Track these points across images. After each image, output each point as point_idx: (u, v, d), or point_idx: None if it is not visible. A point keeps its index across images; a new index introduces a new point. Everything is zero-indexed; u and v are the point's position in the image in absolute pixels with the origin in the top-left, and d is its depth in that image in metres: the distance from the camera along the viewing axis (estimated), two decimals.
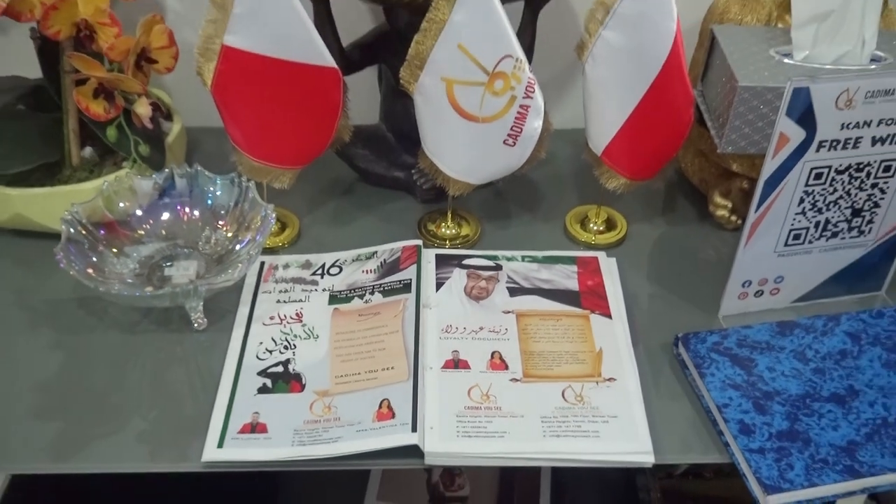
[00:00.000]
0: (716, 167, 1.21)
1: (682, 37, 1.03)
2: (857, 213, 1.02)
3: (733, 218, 1.20)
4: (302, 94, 1.04)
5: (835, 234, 1.03)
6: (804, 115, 0.90)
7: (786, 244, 1.02)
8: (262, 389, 0.94)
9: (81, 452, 0.87)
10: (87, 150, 1.15)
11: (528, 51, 1.15)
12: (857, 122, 0.93)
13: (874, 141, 0.95)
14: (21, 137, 1.12)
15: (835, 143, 0.94)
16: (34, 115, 1.17)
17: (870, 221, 1.03)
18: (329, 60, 1.02)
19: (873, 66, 1.05)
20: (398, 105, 1.22)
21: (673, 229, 1.23)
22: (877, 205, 1.01)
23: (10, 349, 1.01)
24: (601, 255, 1.15)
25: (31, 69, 1.19)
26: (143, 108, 1.10)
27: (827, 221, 1.02)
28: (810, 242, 1.03)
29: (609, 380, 0.96)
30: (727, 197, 1.21)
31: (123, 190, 1.08)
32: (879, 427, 0.89)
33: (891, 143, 0.96)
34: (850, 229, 1.03)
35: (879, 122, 0.93)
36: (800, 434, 0.88)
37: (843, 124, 0.92)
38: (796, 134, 0.92)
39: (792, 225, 1.01)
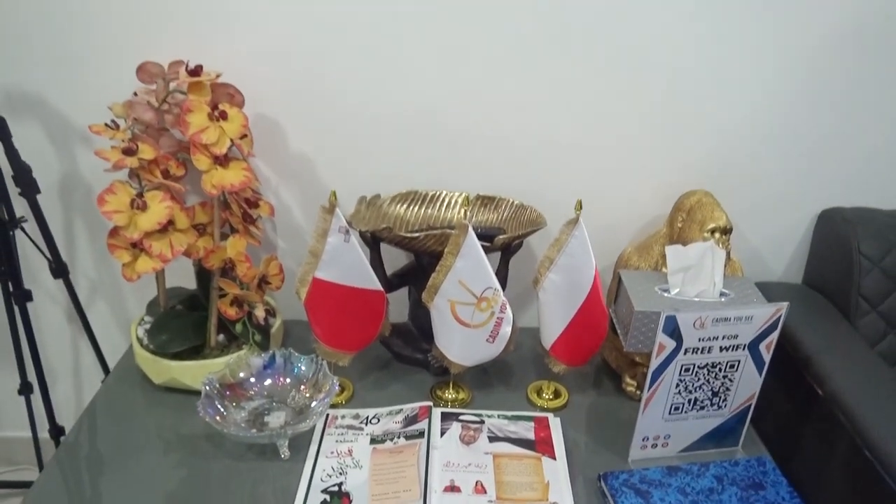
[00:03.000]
0: (626, 358, 1.24)
1: (600, 276, 1.13)
2: (715, 393, 1.06)
3: (638, 392, 1.23)
4: (360, 306, 1.13)
5: (702, 408, 1.07)
6: (674, 332, 0.98)
7: (669, 413, 1.06)
8: (324, 503, 0.98)
9: None
10: (221, 337, 1.21)
11: (503, 282, 1.21)
12: (709, 337, 1.00)
13: (721, 349, 1.02)
14: (180, 328, 1.18)
15: (696, 350, 1.01)
16: (189, 313, 1.23)
17: (725, 399, 1.07)
18: (378, 286, 1.13)
19: (722, 299, 1.12)
20: (420, 313, 1.24)
21: (599, 398, 1.24)
22: (728, 389, 1.06)
23: (149, 467, 1.03)
24: (550, 416, 1.17)
25: (188, 282, 1.29)
26: (260, 312, 1.19)
27: (696, 399, 1.06)
28: (686, 412, 1.07)
29: (554, 503, 0.99)
30: (634, 378, 1.24)
31: (242, 364, 1.12)
32: None
33: (733, 350, 1.02)
34: (712, 405, 1.07)
35: (723, 337, 1.01)
36: None
37: (699, 338, 1.00)
38: (669, 343, 0.99)
39: (673, 401, 1.05)
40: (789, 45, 1.19)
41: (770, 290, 1.33)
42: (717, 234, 1.14)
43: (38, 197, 1.21)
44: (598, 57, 1.20)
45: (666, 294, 1.12)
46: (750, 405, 1.09)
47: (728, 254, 1.15)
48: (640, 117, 1.25)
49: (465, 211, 1.08)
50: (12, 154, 1.16)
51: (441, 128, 1.26)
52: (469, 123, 1.25)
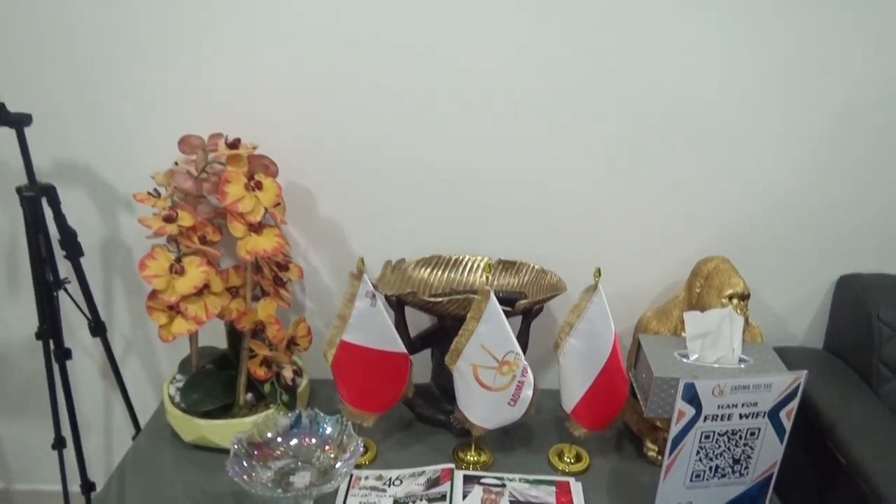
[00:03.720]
0: (646, 422, 1.25)
1: (619, 339, 1.15)
2: (737, 461, 1.05)
3: (659, 458, 1.23)
4: (385, 369, 1.16)
5: (724, 475, 1.06)
6: (693, 399, 0.99)
7: (691, 480, 1.05)
8: None
9: None
10: (249, 396, 1.24)
11: (524, 346, 1.23)
12: (728, 404, 1.01)
13: (741, 416, 1.02)
14: (210, 387, 1.22)
15: (715, 417, 1.01)
16: (219, 372, 1.26)
17: (746, 467, 1.06)
18: (402, 349, 1.15)
19: (741, 366, 1.13)
20: (443, 374, 1.26)
21: (620, 463, 1.24)
22: (749, 456, 1.05)
23: None
24: (571, 480, 1.17)
25: (219, 340, 1.34)
26: (288, 373, 1.22)
27: (717, 466, 1.05)
28: (708, 480, 1.06)
29: None
30: (655, 443, 1.24)
31: (270, 424, 1.13)
32: None
33: (753, 418, 1.02)
34: (734, 472, 1.06)
35: (743, 405, 1.01)
36: None
37: (718, 405, 1.00)
38: (689, 410, 1.00)
39: (694, 468, 1.04)
40: (808, 114, 1.23)
41: (790, 356, 1.34)
42: (734, 300, 1.16)
43: (81, 259, 1.27)
44: (619, 124, 1.25)
45: (685, 360, 1.14)
46: (772, 473, 1.08)
47: (746, 319, 1.17)
48: (658, 183, 1.29)
49: (487, 276, 1.12)
50: (60, 219, 1.23)
51: (464, 194, 1.31)
52: (491, 190, 1.30)
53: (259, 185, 1.14)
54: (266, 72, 1.22)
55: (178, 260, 1.12)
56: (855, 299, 1.30)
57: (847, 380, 1.28)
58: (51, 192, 1.20)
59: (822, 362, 1.33)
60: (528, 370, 1.12)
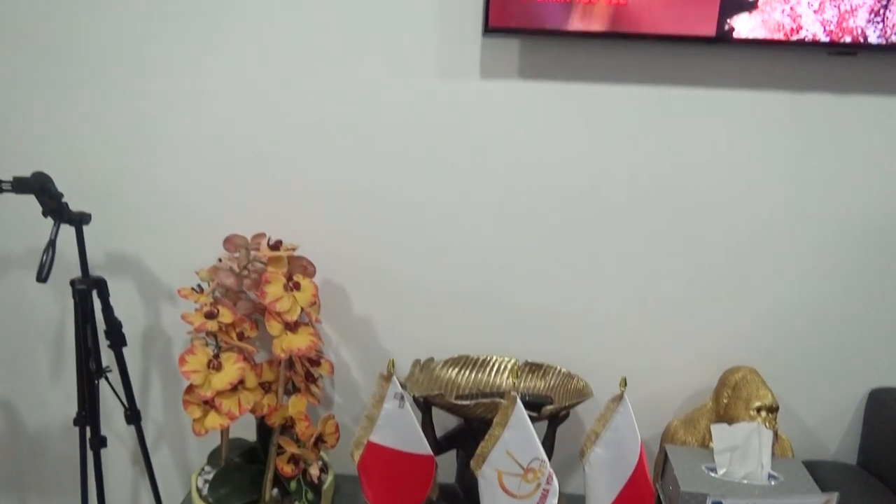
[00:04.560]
0: None
1: (646, 447, 1.15)
2: None
3: None
4: (410, 470, 1.16)
5: None
6: None
7: None
8: None
9: None
10: (275, 492, 1.25)
11: (549, 450, 1.24)
12: None
13: None
14: (237, 482, 1.24)
15: None
16: (247, 466, 1.28)
17: None
18: (429, 451, 1.16)
19: (771, 482, 1.11)
20: (467, 474, 1.28)
21: None
22: None
23: None
24: None
25: (249, 432, 1.36)
26: (314, 471, 1.24)
27: None
28: None
29: None
30: None
31: None
32: None
33: None
34: None
35: None
36: None
37: None
38: None
39: None
40: (839, 227, 1.26)
41: (822, 472, 1.31)
42: (763, 413, 1.15)
43: (123, 349, 1.33)
44: (648, 233, 1.29)
45: (713, 474, 1.13)
46: None
47: (776, 432, 1.16)
48: (686, 290, 1.32)
49: (514, 382, 1.14)
50: (108, 311, 1.29)
51: (493, 296, 1.35)
52: (519, 293, 1.34)
53: (297, 286, 1.19)
54: (306, 175, 1.30)
55: (216, 356, 1.17)
56: (889, 414, 1.28)
57: (883, 499, 1.24)
58: (101, 286, 1.27)
59: (856, 480, 1.30)
60: (554, 478, 1.11)
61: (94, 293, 1.27)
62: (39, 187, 1.18)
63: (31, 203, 1.37)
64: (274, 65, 1.25)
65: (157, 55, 1.27)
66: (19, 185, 1.19)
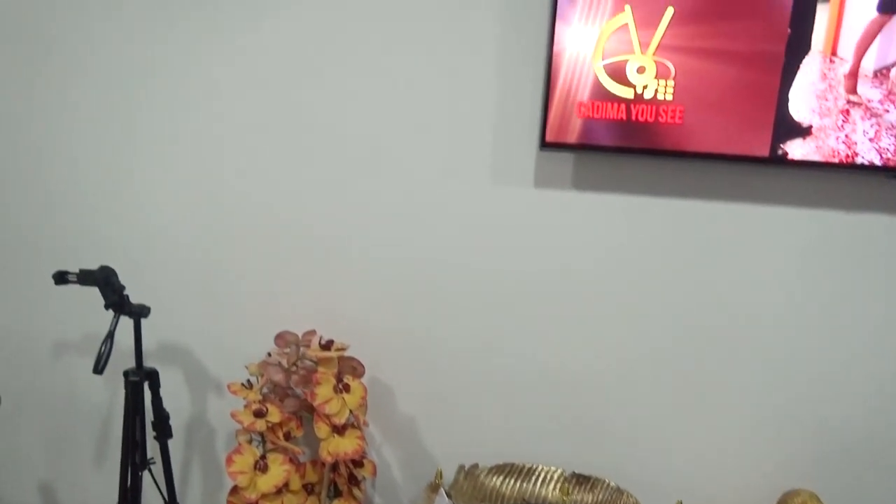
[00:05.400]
0: None
1: None
2: None
3: None
4: None
5: None
6: None
7: None
8: None
9: None
10: None
11: None
12: None
13: None
14: None
15: None
16: None
17: None
18: None
19: None
20: None
21: None
22: None
23: None
24: None
25: None
26: None
27: None
28: None
29: None
30: None
31: None
32: None
33: None
34: None
35: None
36: None
37: None
38: None
39: None
40: None
41: None
42: None
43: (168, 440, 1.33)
44: (701, 347, 1.27)
45: None
46: None
47: None
48: (742, 407, 1.28)
49: (564, 499, 1.11)
50: (157, 403, 1.30)
51: (542, 401, 1.33)
52: (570, 400, 1.32)
53: (346, 388, 1.20)
54: (357, 271, 1.33)
55: (263, 457, 1.16)
56: None
57: None
58: (153, 377, 1.29)
59: None
60: None
61: (146, 384, 1.29)
62: (104, 280, 1.22)
63: (86, 291, 1.41)
64: (330, 163, 1.30)
65: (215, 153, 1.33)
66: (85, 278, 1.24)
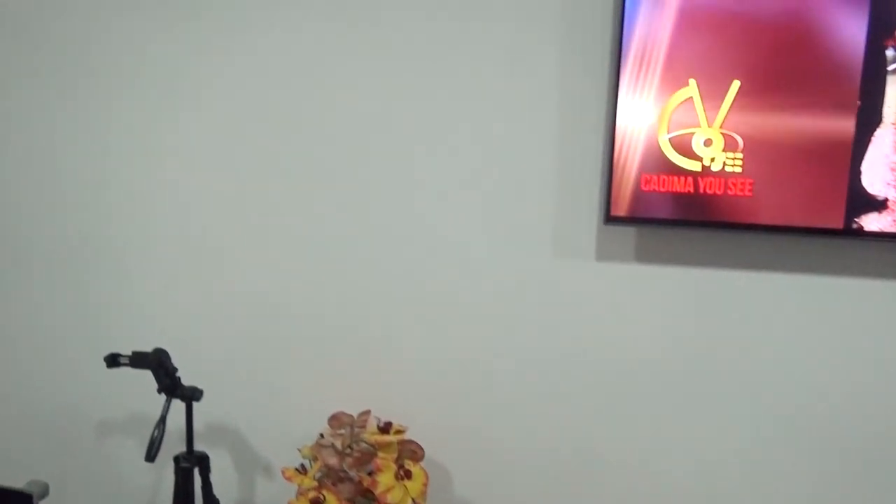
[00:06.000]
0: None
1: None
2: None
3: None
4: None
5: None
6: None
7: None
8: None
9: None
10: None
11: None
12: None
13: None
14: None
15: None
16: None
17: None
18: None
19: None
20: None
21: None
22: None
23: None
24: None
25: None
26: None
27: None
28: None
29: None
30: None
31: None
32: None
33: None
34: None
35: None
36: None
37: None
38: None
39: None
40: None
41: None
42: None
43: None
44: (764, 428, 1.21)
45: None
46: None
47: None
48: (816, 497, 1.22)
49: None
50: (207, 489, 1.26)
51: (601, 491, 1.27)
52: (628, 488, 1.26)
53: (408, 475, 1.15)
54: (409, 349, 1.29)
55: None
56: None
57: None
58: (204, 462, 1.25)
59: None
60: None
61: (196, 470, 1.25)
62: (157, 363, 1.20)
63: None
64: (384, 242, 1.28)
65: (259, 218, 1.31)
66: (138, 361, 1.21)
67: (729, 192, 1.12)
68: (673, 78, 1.11)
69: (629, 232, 1.22)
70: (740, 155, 1.11)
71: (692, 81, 1.11)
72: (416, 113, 1.24)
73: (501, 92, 1.21)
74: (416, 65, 1.23)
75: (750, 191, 1.11)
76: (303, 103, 1.28)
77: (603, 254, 1.23)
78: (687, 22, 1.10)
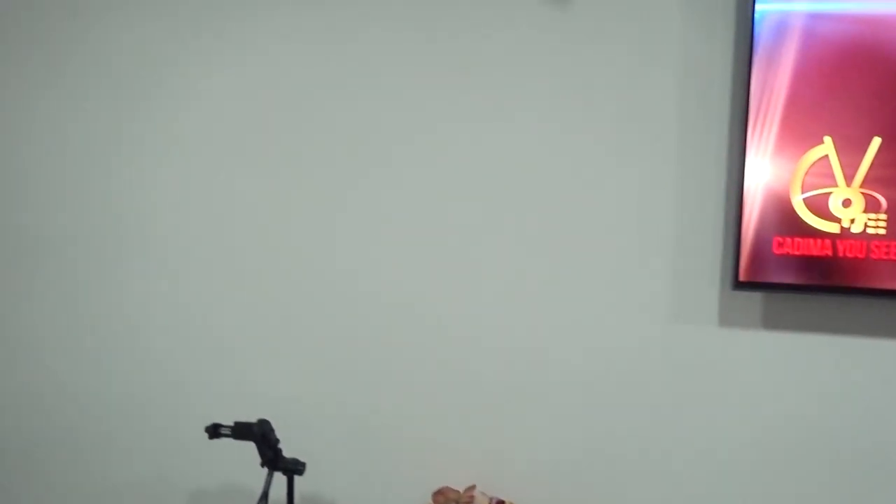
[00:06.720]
0: None
1: None
2: None
3: None
4: None
5: None
6: None
7: None
8: None
9: None
10: None
11: None
12: None
13: None
14: None
15: None
16: None
17: None
18: None
19: None
20: None
21: None
22: None
23: None
24: None
25: None
26: None
27: None
28: None
29: None
30: None
31: None
32: None
33: None
34: None
35: None
36: None
37: None
38: None
39: None
40: None
41: None
42: None
43: None
44: None
45: None
46: None
47: None
48: None
49: None
50: None
51: None
52: None
53: None
54: (514, 421, 1.24)
55: None
56: None
57: None
58: None
59: None
60: None
61: None
62: (261, 436, 1.15)
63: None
64: (498, 306, 1.23)
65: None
66: (241, 432, 1.17)
67: (872, 255, 1.04)
68: (806, 135, 1.05)
69: (755, 296, 1.14)
70: (884, 216, 1.03)
71: (827, 139, 1.04)
72: (526, 179, 1.21)
73: (617, 148, 1.17)
74: (539, 127, 1.21)
75: None
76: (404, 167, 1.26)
77: (727, 319, 1.15)
78: (818, 76, 1.04)
